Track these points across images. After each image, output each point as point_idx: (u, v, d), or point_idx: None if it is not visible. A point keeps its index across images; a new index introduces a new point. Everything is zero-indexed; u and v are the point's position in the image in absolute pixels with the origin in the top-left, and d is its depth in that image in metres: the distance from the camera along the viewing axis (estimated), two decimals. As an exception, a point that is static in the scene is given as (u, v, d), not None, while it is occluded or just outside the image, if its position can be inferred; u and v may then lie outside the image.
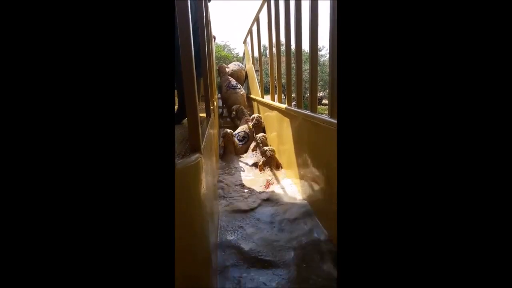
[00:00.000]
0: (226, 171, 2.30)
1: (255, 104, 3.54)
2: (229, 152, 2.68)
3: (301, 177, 1.72)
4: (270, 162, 2.13)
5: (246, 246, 1.24)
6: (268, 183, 1.96)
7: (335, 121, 1.18)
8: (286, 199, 1.70)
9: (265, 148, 2.20)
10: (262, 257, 1.17)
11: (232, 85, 3.59)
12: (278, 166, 2.19)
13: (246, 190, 1.90)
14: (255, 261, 1.15)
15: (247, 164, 2.45)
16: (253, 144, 2.64)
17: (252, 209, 1.60)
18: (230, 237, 1.33)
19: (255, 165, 2.37)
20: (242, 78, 3.95)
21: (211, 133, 1.48)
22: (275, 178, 2.06)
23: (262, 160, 2.19)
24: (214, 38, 3.53)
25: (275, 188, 1.88)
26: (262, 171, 2.17)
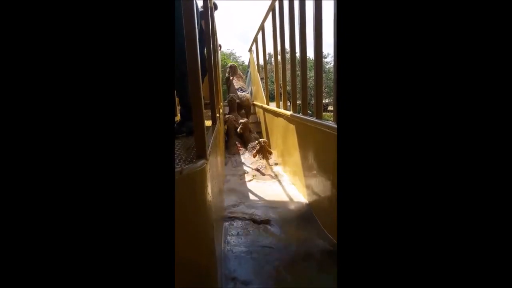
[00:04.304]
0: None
1: (260, 111, 3.55)
2: (232, 135, 3.20)
3: (307, 184, 1.71)
4: (262, 150, 2.73)
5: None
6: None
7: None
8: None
9: (260, 140, 2.79)
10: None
11: (242, 89, 3.92)
12: (269, 154, 2.73)
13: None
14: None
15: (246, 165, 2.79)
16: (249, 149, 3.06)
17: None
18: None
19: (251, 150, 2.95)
20: (245, 105, 3.84)
21: (217, 139, 1.49)
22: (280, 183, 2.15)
23: (256, 149, 2.77)
24: (220, 46, 3.59)
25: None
26: (256, 157, 2.74)
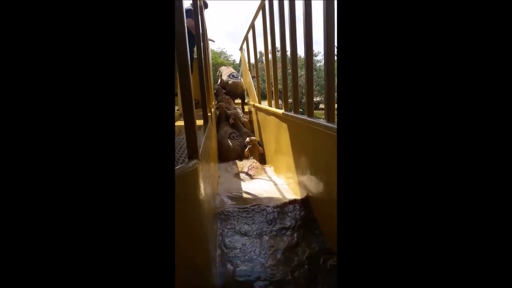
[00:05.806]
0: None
1: (252, 110, 3.55)
2: (223, 120, 3.26)
3: (299, 181, 1.72)
4: (254, 150, 2.66)
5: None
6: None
7: (332, 125, 1.18)
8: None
9: (252, 138, 2.75)
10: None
11: (233, 75, 3.86)
12: (260, 154, 2.67)
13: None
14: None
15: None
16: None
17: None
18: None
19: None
20: (239, 92, 3.84)
21: (209, 139, 1.48)
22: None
23: (248, 148, 2.68)
24: (213, 41, 3.60)
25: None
26: (246, 157, 2.68)
